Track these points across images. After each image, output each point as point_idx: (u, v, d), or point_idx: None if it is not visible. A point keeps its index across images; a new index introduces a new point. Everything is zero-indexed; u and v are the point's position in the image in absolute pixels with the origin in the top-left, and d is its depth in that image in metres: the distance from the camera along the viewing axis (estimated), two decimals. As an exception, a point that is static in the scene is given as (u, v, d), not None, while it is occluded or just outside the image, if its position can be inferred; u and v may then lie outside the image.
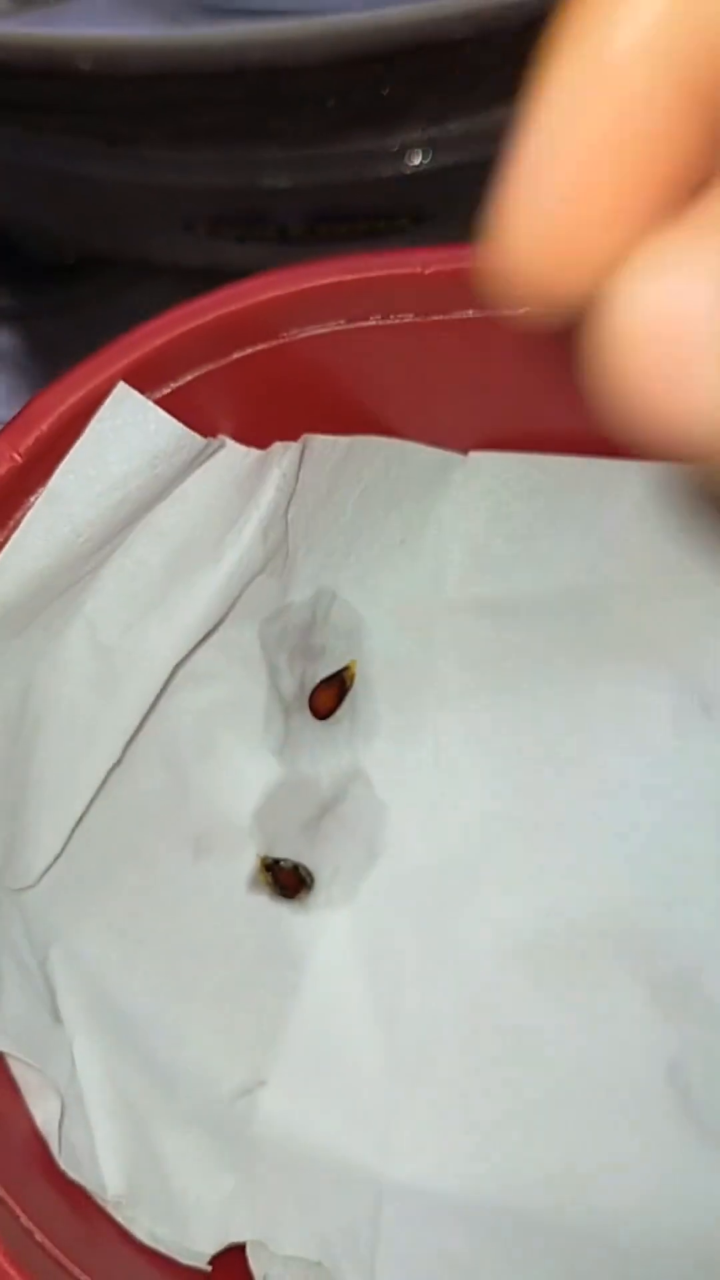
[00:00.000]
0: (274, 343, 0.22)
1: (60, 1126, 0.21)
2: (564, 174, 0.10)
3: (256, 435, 0.23)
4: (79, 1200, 0.20)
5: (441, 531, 0.26)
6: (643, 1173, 0.23)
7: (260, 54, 0.35)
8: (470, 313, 0.22)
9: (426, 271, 0.21)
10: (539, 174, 0.10)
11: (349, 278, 0.21)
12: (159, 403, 0.22)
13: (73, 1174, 0.21)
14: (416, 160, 0.39)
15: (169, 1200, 0.21)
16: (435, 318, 0.22)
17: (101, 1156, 0.21)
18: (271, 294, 0.21)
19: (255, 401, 0.23)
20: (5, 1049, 0.20)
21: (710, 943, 0.24)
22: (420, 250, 0.21)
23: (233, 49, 0.35)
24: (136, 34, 0.35)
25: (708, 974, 0.24)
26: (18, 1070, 0.21)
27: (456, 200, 0.42)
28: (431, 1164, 0.23)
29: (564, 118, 0.10)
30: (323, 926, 0.24)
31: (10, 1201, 0.19)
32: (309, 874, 0.24)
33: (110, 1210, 0.21)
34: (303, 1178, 0.22)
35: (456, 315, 0.22)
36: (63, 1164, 0.20)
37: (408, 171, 0.39)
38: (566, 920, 0.24)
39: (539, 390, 0.24)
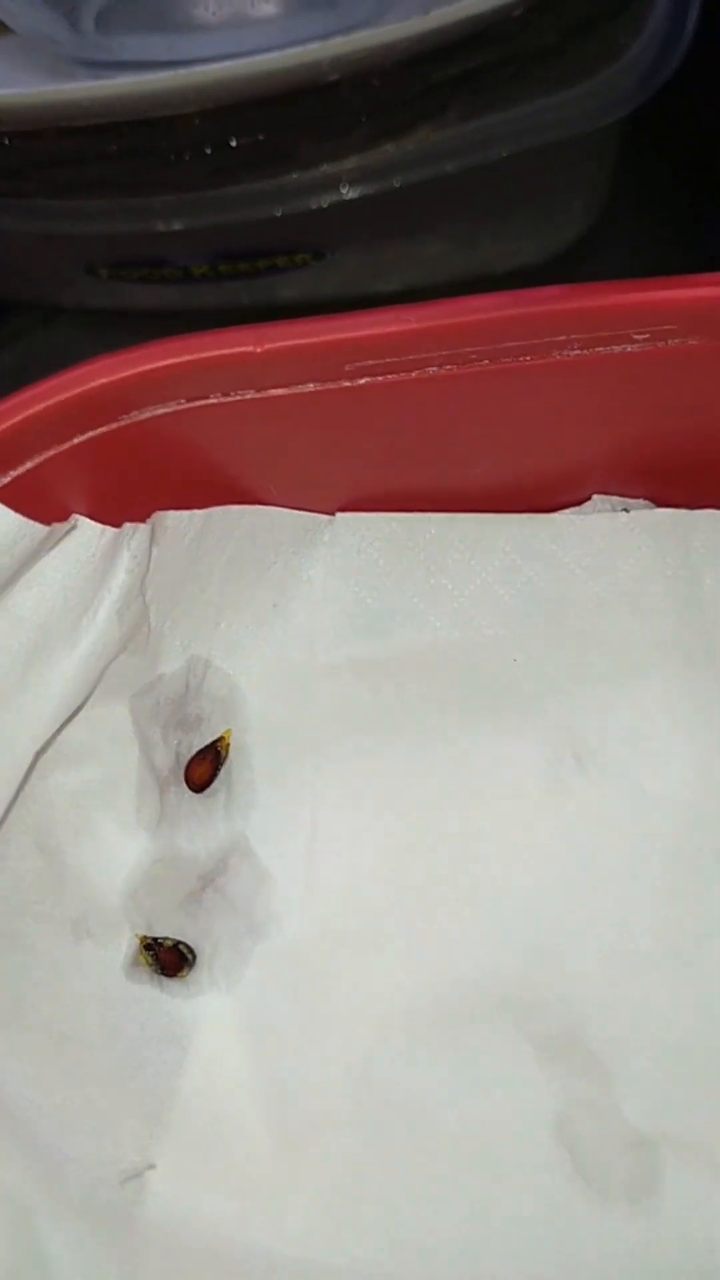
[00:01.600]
0: (116, 425, 0.22)
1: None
2: None
3: (112, 513, 0.23)
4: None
5: (313, 593, 0.26)
6: (537, 1234, 0.23)
7: (133, 107, 0.35)
8: (311, 386, 0.22)
9: (259, 350, 0.21)
10: None
11: (184, 359, 0.21)
12: (7, 488, 0.21)
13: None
14: (309, 199, 0.39)
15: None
16: (276, 393, 0.22)
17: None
18: (107, 379, 0.21)
19: (105, 481, 0.23)
20: None
21: (590, 997, 0.24)
22: (254, 328, 0.21)
23: (105, 104, 0.35)
24: (9, 92, 0.35)
25: (590, 1028, 0.24)
26: None
27: (355, 234, 0.42)
28: (325, 1240, 0.23)
29: None
30: (205, 1004, 0.24)
31: None
32: (190, 951, 0.24)
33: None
34: (192, 1267, 0.22)
35: (298, 390, 0.22)
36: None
37: (302, 210, 0.39)
38: (448, 984, 0.24)
39: (394, 450, 0.24)
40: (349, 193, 0.38)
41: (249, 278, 0.43)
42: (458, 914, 0.24)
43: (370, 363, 0.21)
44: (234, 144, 0.37)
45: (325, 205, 0.39)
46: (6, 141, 0.36)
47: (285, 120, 0.36)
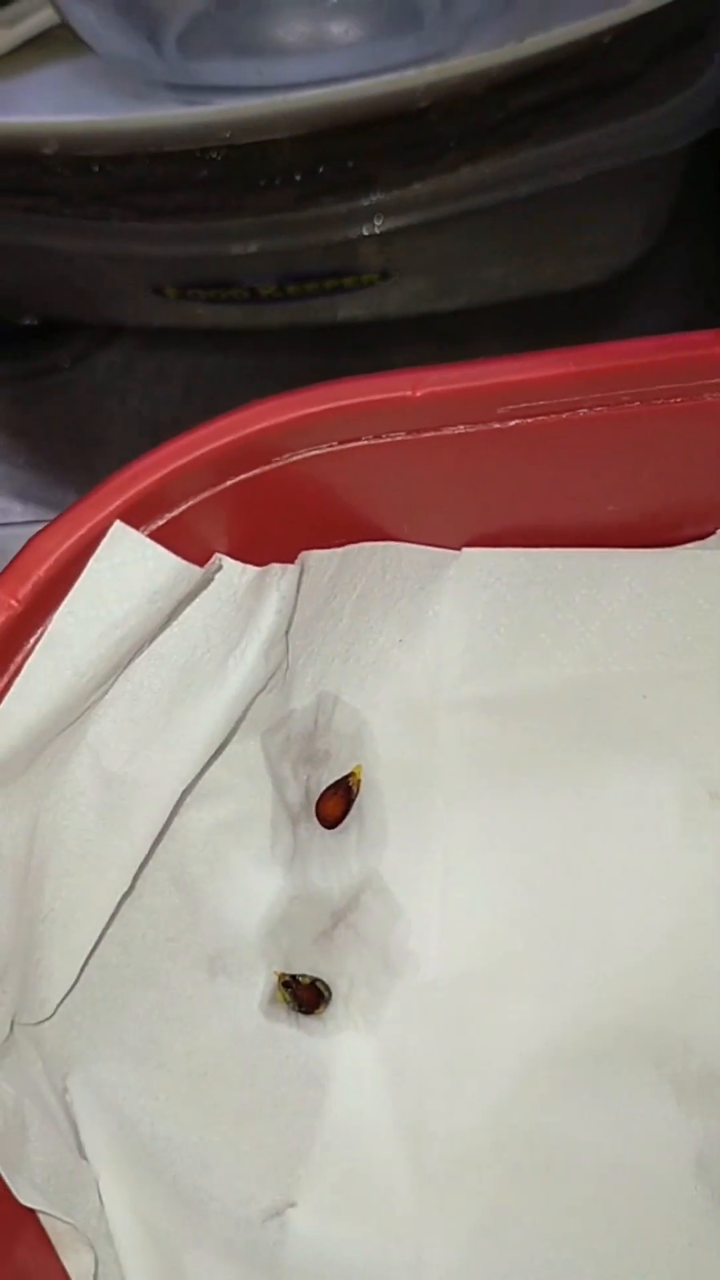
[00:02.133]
0: (268, 467, 0.22)
1: (95, 1278, 0.20)
2: None
3: (253, 552, 0.23)
4: None
5: (439, 629, 0.26)
6: (679, 1274, 0.23)
7: (226, 134, 0.35)
8: (461, 428, 0.22)
9: (417, 394, 0.21)
10: None
11: (342, 404, 0.21)
12: (155, 534, 0.21)
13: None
14: (381, 222, 0.39)
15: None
16: (426, 435, 0.22)
17: (136, 1304, 0.21)
18: (265, 424, 0.21)
19: (250, 522, 0.23)
20: (34, 1205, 0.20)
21: (731, 1035, 0.24)
22: (410, 372, 0.21)
23: (196, 130, 0.35)
24: (98, 118, 0.35)
25: (730, 1067, 0.24)
26: (48, 1223, 0.21)
27: (420, 257, 0.42)
28: (466, 1279, 0.23)
29: None
30: (343, 1042, 0.24)
31: None
32: (326, 988, 0.24)
33: None
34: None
35: (447, 432, 0.22)
36: (98, 1317, 0.20)
37: (373, 232, 0.39)
38: (587, 1024, 0.24)
39: (529, 488, 0.24)
40: (424, 215, 0.38)
41: (314, 297, 0.43)
42: (595, 954, 0.24)
43: (524, 405, 0.21)
44: (322, 170, 0.37)
45: (400, 228, 0.39)
46: (95, 168, 0.36)
47: (374, 146, 0.36)
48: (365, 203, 0.38)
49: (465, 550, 0.26)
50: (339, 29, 0.37)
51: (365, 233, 0.39)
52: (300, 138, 0.35)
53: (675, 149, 0.39)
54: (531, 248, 0.43)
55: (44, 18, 0.37)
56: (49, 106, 0.36)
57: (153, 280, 0.42)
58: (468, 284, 0.44)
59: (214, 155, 0.35)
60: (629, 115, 0.38)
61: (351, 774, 0.25)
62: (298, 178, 0.36)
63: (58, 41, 0.37)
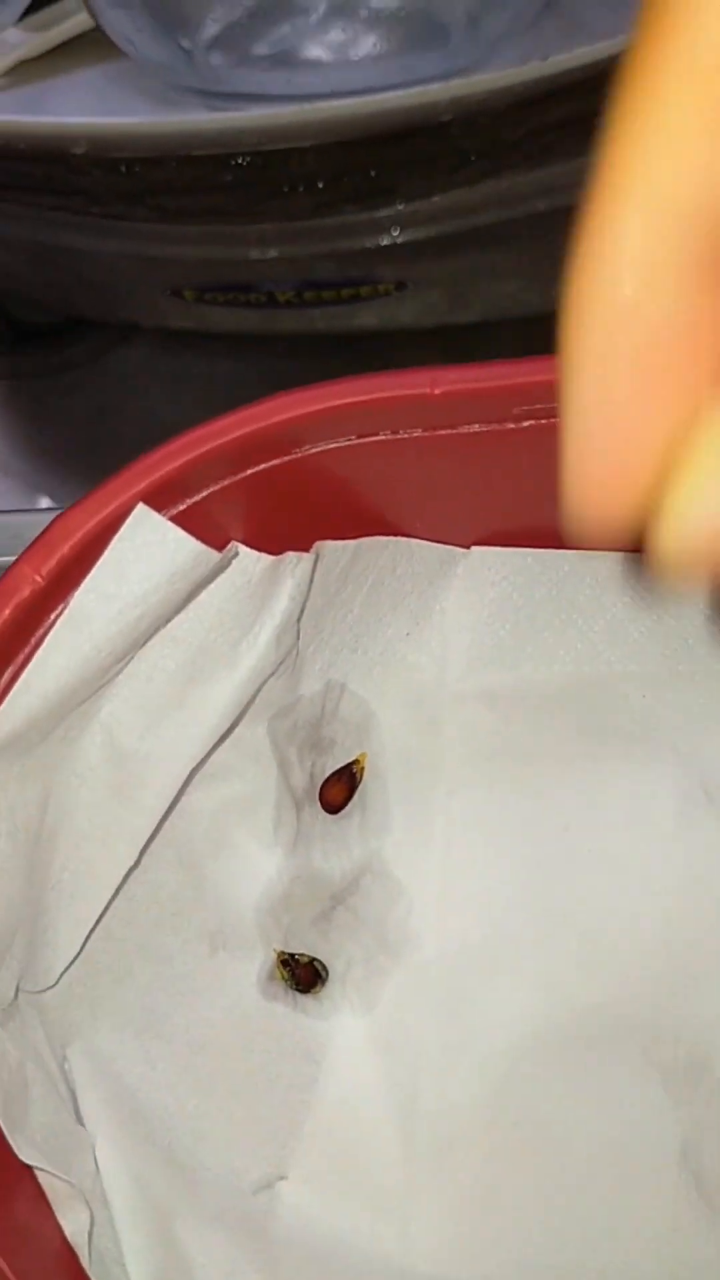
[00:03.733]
0: (287, 458, 0.22)
1: (90, 1236, 0.21)
2: (621, 431, 0.10)
3: (268, 541, 0.24)
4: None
5: (446, 623, 0.26)
6: (662, 1257, 0.23)
7: (253, 140, 0.36)
8: (476, 427, 0.22)
9: (435, 391, 0.21)
10: (600, 436, 0.10)
11: (362, 398, 0.21)
12: (176, 518, 0.22)
13: (102, 1283, 0.21)
14: (400, 233, 0.40)
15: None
16: (442, 432, 0.22)
17: (130, 1263, 0.21)
18: (287, 415, 0.21)
19: (268, 511, 0.23)
20: (33, 1162, 0.21)
21: (717, 1027, 0.24)
22: (429, 370, 0.22)
23: (225, 136, 0.36)
24: (129, 120, 0.36)
25: (716, 1057, 0.24)
26: (46, 1181, 0.21)
27: (436, 269, 0.43)
28: (452, 1254, 0.23)
29: (601, 384, 0.10)
30: (339, 1020, 0.25)
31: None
32: (324, 968, 0.25)
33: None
34: (322, 1277, 0.23)
35: (463, 430, 0.22)
36: (92, 1274, 0.21)
37: (392, 243, 0.40)
38: (578, 1010, 0.24)
39: (539, 489, 0.25)
40: (443, 228, 0.39)
41: (331, 305, 0.44)
42: (589, 941, 0.25)
43: (538, 406, 0.22)
44: (344, 179, 0.38)
45: (418, 240, 0.39)
46: (123, 169, 0.37)
47: (396, 157, 0.37)
48: (385, 213, 0.39)
49: (475, 549, 0.26)
50: (367, 43, 0.38)
51: (384, 243, 0.39)
52: (324, 146, 0.36)
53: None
54: (546, 264, 0.44)
55: (78, 22, 0.38)
56: (80, 108, 0.37)
57: (172, 282, 0.43)
58: (481, 298, 0.45)
59: (239, 161, 0.36)
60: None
61: (356, 761, 0.26)
62: (320, 185, 0.37)
63: (91, 45, 0.38)
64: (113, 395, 0.51)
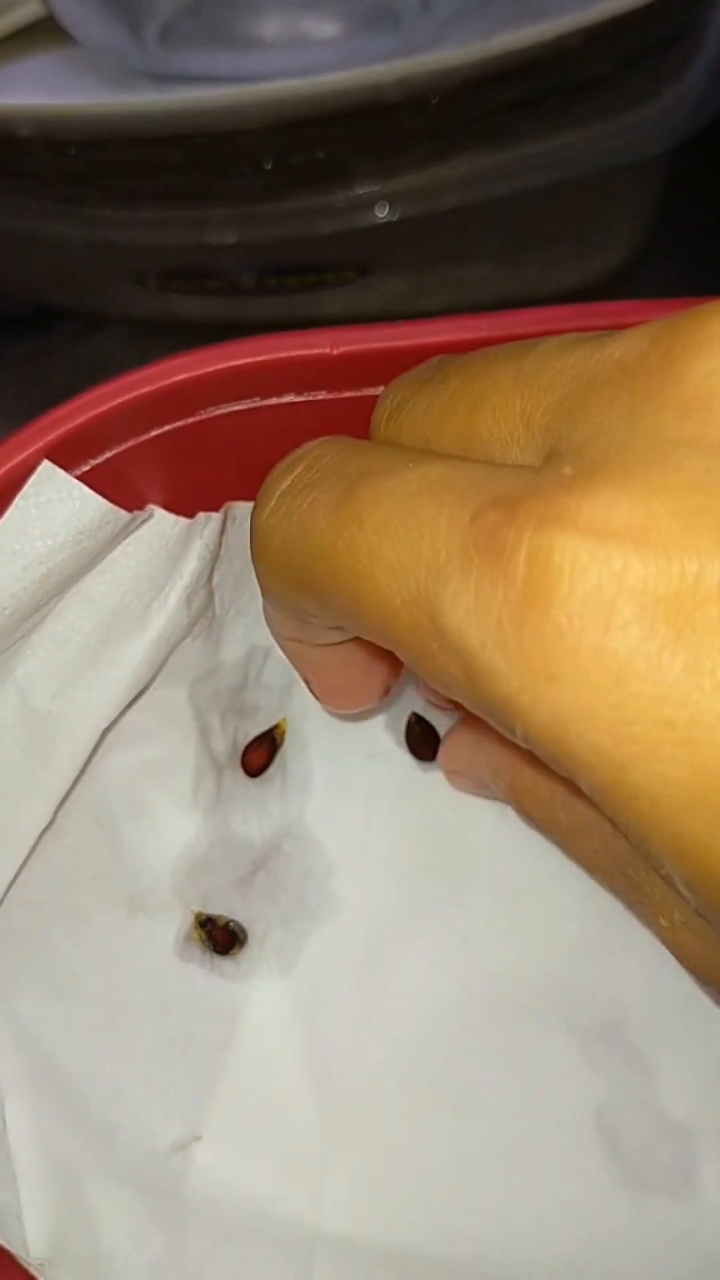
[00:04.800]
0: (192, 419, 0.22)
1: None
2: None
3: (185, 503, 0.24)
4: (3, 1263, 0.21)
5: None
6: (576, 1220, 0.23)
7: (197, 121, 0.36)
8: (381, 388, 0.22)
9: (334, 352, 0.21)
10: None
11: (261, 358, 0.22)
12: (84, 477, 0.22)
13: (-2, 1236, 0.21)
14: (359, 217, 0.40)
15: (95, 1262, 0.21)
16: (348, 394, 0.22)
17: (28, 1217, 0.21)
18: (187, 375, 0.22)
19: (180, 472, 0.24)
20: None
21: (634, 990, 0.24)
22: (330, 331, 0.22)
23: (170, 117, 0.36)
24: (75, 102, 0.36)
25: (632, 1021, 0.24)
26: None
27: (398, 256, 0.43)
28: (365, 1217, 0.23)
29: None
30: (256, 982, 0.25)
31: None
32: (242, 930, 0.25)
33: (34, 1272, 0.21)
34: (234, 1238, 0.23)
35: (368, 392, 0.22)
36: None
37: (351, 227, 0.40)
38: (497, 971, 0.24)
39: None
40: (399, 212, 0.39)
41: (294, 293, 0.44)
42: (507, 903, 0.25)
43: (441, 366, 0.22)
44: (293, 160, 0.38)
45: (376, 223, 0.40)
46: (72, 150, 0.37)
47: (345, 138, 0.37)
48: (338, 196, 0.39)
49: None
50: (316, 24, 0.38)
51: (340, 227, 0.40)
52: (271, 127, 0.36)
53: (655, 155, 0.40)
54: (511, 250, 0.44)
55: (31, 10, 0.38)
56: (30, 92, 0.37)
57: (133, 269, 0.43)
58: (446, 285, 0.45)
59: (186, 142, 0.36)
60: (604, 119, 0.39)
61: (277, 726, 0.26)
62: (268, 167, 0.37)
63: (45, 33, 0.38)
64: (81, 384, 0.51)
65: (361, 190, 0.39)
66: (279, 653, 0.26)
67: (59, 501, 0.21)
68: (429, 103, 0.37)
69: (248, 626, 0.26)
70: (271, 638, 0.26)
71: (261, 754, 0.26)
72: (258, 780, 0.26)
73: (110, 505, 0.22)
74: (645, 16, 0.36)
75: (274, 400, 0.23)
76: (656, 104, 0.40)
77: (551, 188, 0.40)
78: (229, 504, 0.24)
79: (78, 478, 0.22)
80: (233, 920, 0.25)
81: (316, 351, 0.22)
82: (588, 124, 0.40)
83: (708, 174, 0.45)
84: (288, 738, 0.26)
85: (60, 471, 0.21)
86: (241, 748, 0.26)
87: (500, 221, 0.43)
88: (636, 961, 0.24)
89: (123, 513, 0.22)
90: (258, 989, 0.25)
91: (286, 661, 0.26)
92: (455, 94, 0.37)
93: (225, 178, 0.38)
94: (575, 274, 0.46)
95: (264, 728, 0.26)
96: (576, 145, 0.40)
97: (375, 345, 0.22)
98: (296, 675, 0.26)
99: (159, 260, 0.43)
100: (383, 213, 0.40)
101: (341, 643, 0.19)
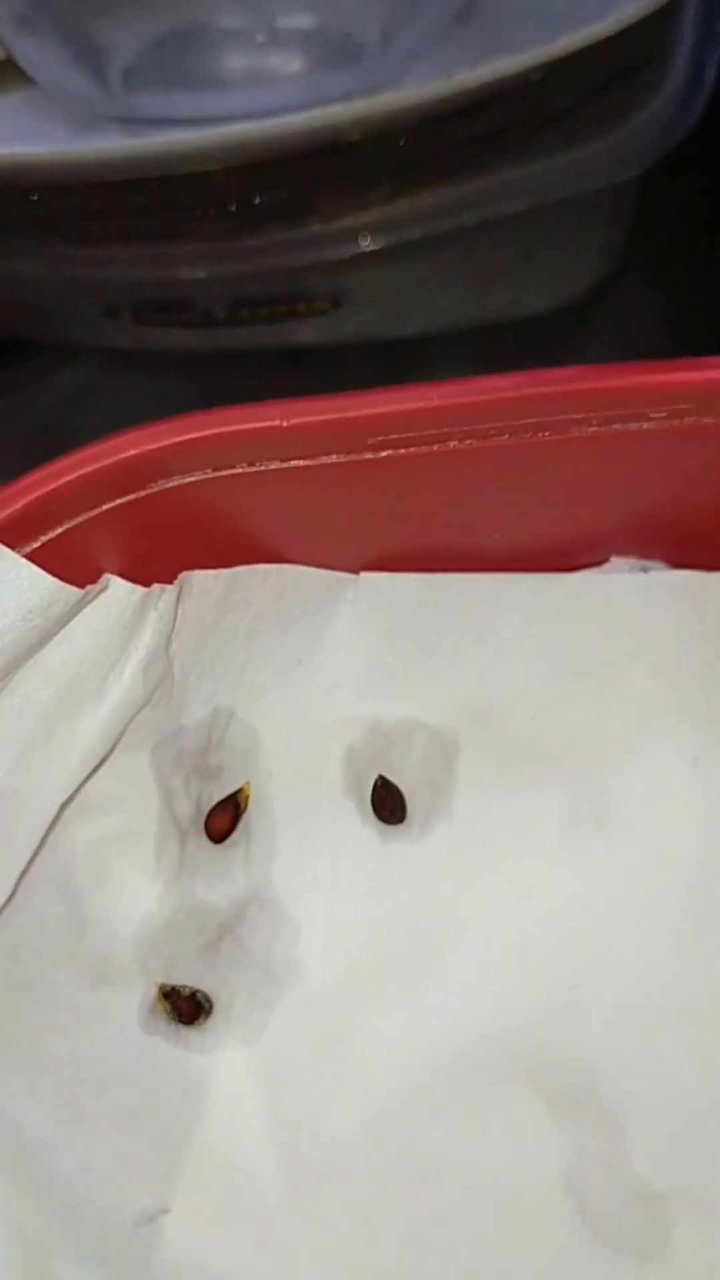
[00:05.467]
0: (145, 492, 0.22)
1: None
2: None
3: (141, 573, 0.24)
4: None
5: (337, 649, 0.26)
6: (543, 1287, 0.23)
7: (159, 164, 0.36)
8: (334, 457, 0.22)
9: (285, 424, 0.21)
10: None
11: (212, 432, 0.21)
12: (37, 552, 0.22)
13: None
14: (328, 251, 0.39)
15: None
16: (299, 463, 0.22)
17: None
18: (137, 450, 0.21)
19: (136, 544, 0.23)
20: None
21: (603, 1053, 0.24)
22: (281, 403, 0.22)
23: (131, 161, 0.36)
24: (35, 150, 0.36)
25: (603, 1083, 0.24)
26: None
27: (370, 286, 0.43)
28: (333, 1287, 0.23)
29: None
30: (222, 1053, 0.24)
31: None
32: (207, 999, 0.25)
33: None
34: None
35: (321, 460, 0.22)
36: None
37: (321, 260, 0.40)
38: (463, 1036, 0.24)
39: (413, 515, 0.25)
40: (368, 245, 0.39)
41: (268, 323, 0.44)
42: (474, 967, 0.25)
43: (392, 437, 0.22)
44: (257, 200, 0.38)
45: (345, 257, 0.39)
46: (35, 196, 0.37)
47: (308, 177, 0.37)
48: (304, 233, 0.39)
49: (363, 574, 0.26)
50: (277, 63, 0.38)
51: (310, 261, 0.39)
52: (234, 169, 0.36)
53: (621, 181, 0.40)
54: (481, 278, 0.44)
55: (-12, 53, 0.38)
56: (-1, 134, 0.37)
57: (107, 304, 0.43)
58: (419, 313, 0.45)
59: (150, 185, 0.36)
60: (567, 149, 0.39)
61: (240, 790, 0.26)
62: (232, 208, 0.37)
63: (4, 74, 0.38)
64: (58, 415, 0.51)
65: (328, 226, 0.39)
66: (243, 714, 0.26)
67: (7, 581, 0.21)
68: (392, 140, 0.37)
69: (210, 689, 0.26)
70: (235, 699, 0.26)
71: (225, 818, 0.25)
72: (222, 845, 0.25)
73: (60, 583, 0.22)
74: (607, 48, 0.36)
75: (226, 471, 0.22)
76: (624, 130, 0.39)
77: (521, 215, 0.40)
78: (184, 574, 0.24)
79: (30, 553, 0.22)
80: (199, 990, 0.25)
81: (268, 424, 0.21)
82: (555, 153, 0.39)
83: (678, 195, 0.45)
84: (252, 801, 0.26)
85: (7, 551, 0.21)
86: (205, 811, 0.26)
87: (471, 250, 0.43)
88: (605, 1023, 0.24)
89: (74, 590, 0.22)
90: (223, 1059, 0.24)
91: (250, 723, 0.26)
92: (417, 130, 0.37)
93: (191, 219, 0.38)
94: (549, 298, 0.46)
95: (228, 790, 0.26)
96: (544, 174, 0.40)
97: (326, 416, 0.21)
98: (261, 737, 0.26)
99: (130, 295, 0.43)
100: (352, 247, 0.39)
101: None
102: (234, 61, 0.38)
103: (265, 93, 0.38)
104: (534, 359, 0.48)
